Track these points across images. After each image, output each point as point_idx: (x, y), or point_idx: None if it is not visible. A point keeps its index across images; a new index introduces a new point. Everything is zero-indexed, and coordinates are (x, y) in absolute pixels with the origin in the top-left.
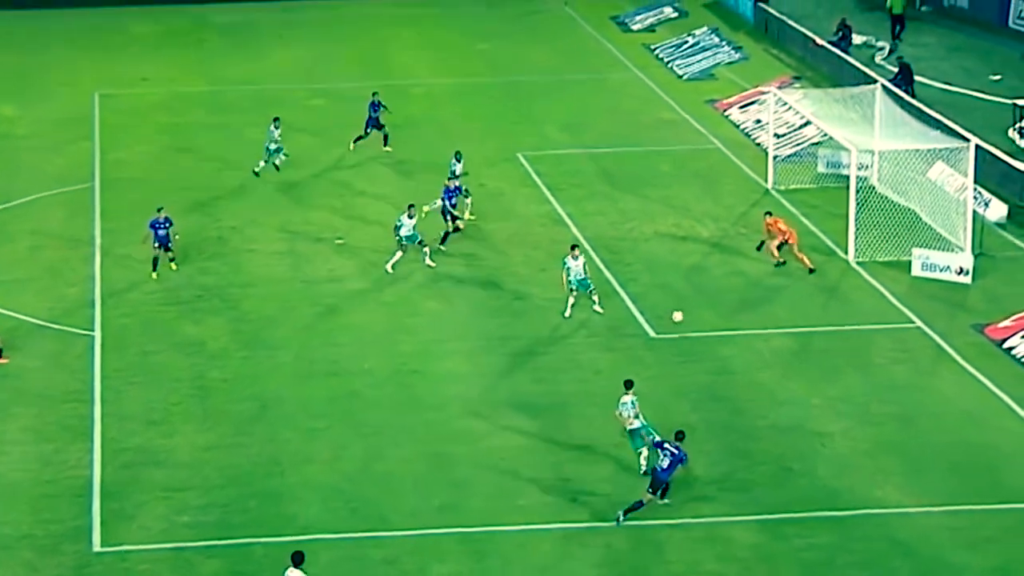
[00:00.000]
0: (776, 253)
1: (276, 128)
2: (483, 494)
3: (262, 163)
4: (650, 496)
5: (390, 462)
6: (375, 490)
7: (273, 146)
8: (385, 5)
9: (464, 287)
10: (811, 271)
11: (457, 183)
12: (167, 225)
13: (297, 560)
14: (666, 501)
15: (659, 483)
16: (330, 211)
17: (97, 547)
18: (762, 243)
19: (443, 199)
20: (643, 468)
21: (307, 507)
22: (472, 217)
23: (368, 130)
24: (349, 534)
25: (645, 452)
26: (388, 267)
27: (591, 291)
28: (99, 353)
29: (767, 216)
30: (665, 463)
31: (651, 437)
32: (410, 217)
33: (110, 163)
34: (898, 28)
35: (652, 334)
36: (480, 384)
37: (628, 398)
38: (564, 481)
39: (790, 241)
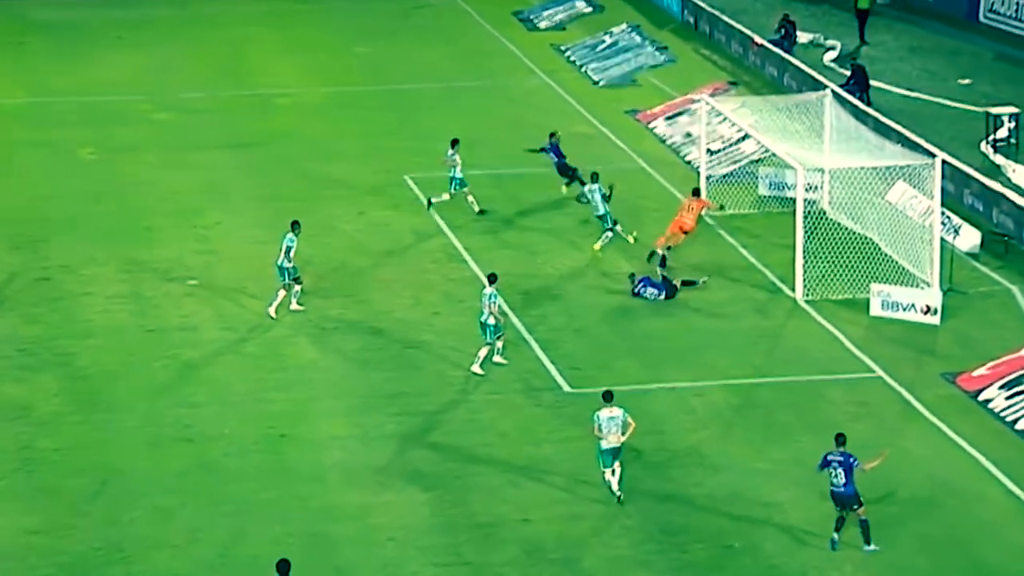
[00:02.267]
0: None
1: (454, 152)
2: None
3: (469, 198)
4: (861, 509)
5: (257, 545)
6: None
7: (458, 174)
8: (244, 1)
9: (344, 335)
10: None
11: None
12: None
13: (283, 570)
14: (873, 548)
15: (849, 500)
16: (181, 245)
17: None
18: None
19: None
20: (615, 490)
21: None
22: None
23: (569, 176)
24: None
25: (610, 473)
26: (271, 311)
27: (499, 336)
28: None
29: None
30: (841, 477)
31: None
32: (296, 235)
33: None
34: (858, 25)
35: (567, 388)
36: (364, 450)
37: (616, 412)
38: (464, 565)
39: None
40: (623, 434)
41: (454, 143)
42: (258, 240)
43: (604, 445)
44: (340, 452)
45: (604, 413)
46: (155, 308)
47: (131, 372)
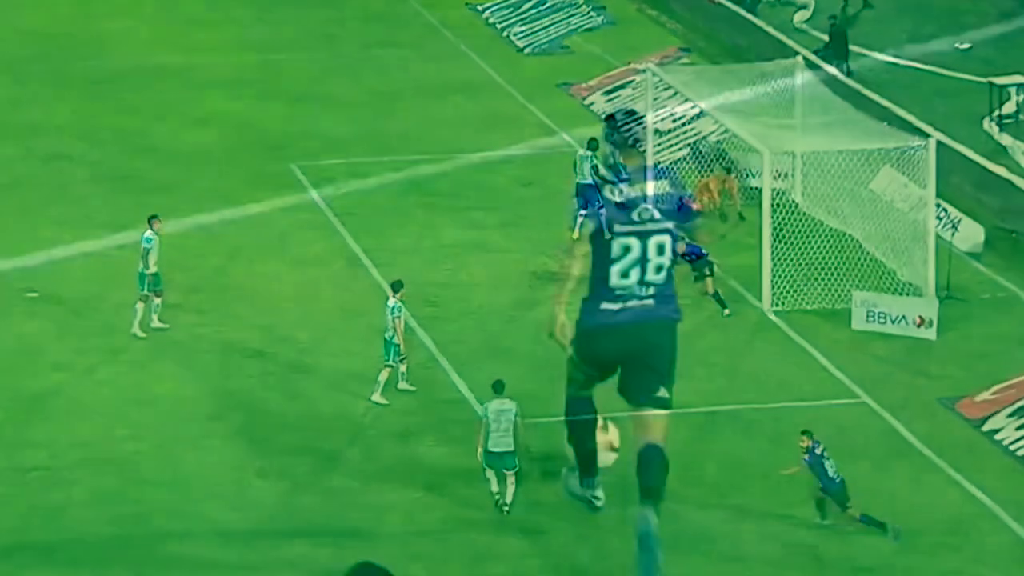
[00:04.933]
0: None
1: (590, 154)
2: None
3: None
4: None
5: None
6: None
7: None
8: None
9: (217, 357)
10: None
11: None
12: None
13: None
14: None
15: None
16: (15, 249)
17: None
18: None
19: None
20: (497, 497)
21: None
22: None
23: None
24: None
25: (496, 480)
26: (135, 329)
27: (403, 357)
28: None
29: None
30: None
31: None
32: (155, 233)
33: None
34: None
35: None
36: (244, 499)
37: (508, 404)
38: None
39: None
40: (514, 433)
41: (589, 143)
42: (111, 241)
43: (492, 446)
44: (215, 501)
45: (494, 405)
46: None
47: None
